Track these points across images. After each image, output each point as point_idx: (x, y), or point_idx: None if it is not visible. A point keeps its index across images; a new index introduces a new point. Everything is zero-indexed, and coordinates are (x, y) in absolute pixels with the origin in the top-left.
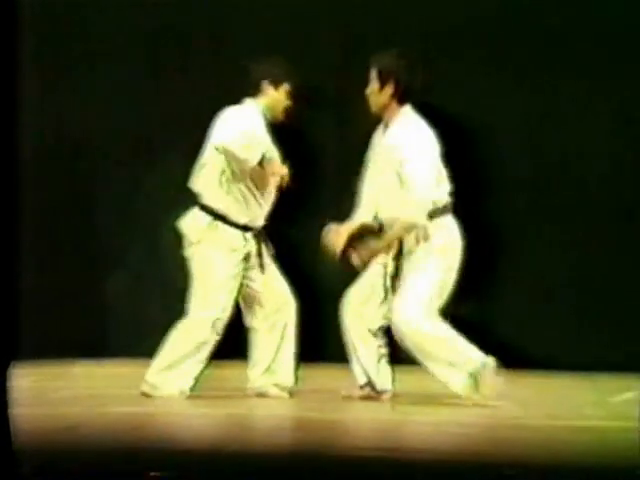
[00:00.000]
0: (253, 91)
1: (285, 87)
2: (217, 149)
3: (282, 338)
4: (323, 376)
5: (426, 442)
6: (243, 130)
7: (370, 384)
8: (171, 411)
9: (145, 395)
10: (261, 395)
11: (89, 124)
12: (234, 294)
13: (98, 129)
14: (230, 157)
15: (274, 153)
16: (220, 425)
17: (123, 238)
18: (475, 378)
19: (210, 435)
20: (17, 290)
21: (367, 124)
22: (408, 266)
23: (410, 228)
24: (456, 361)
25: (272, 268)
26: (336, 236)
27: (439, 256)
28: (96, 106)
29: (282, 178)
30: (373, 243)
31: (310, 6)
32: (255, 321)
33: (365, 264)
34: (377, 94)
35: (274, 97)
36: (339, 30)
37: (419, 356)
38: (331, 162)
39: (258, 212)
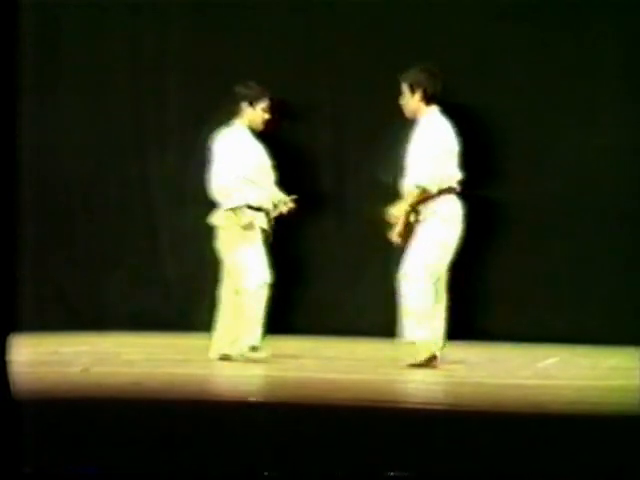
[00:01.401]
0: (237, 111)
1: (260, 105)
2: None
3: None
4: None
5: (411, 395)
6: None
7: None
8: (211, 373)
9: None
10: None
11: (88, 127)
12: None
13: (97, 133)
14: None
15: (279, 195)
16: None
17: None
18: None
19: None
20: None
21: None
22: (421, 230)
23: (422, 192)
24: (424, 324)
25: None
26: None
27: (443, 223)
28: (95, 109)
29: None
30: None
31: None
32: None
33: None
34: (409, 102)
35: (253, 114)
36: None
37: (402, 304)
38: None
39: (264, 196)
